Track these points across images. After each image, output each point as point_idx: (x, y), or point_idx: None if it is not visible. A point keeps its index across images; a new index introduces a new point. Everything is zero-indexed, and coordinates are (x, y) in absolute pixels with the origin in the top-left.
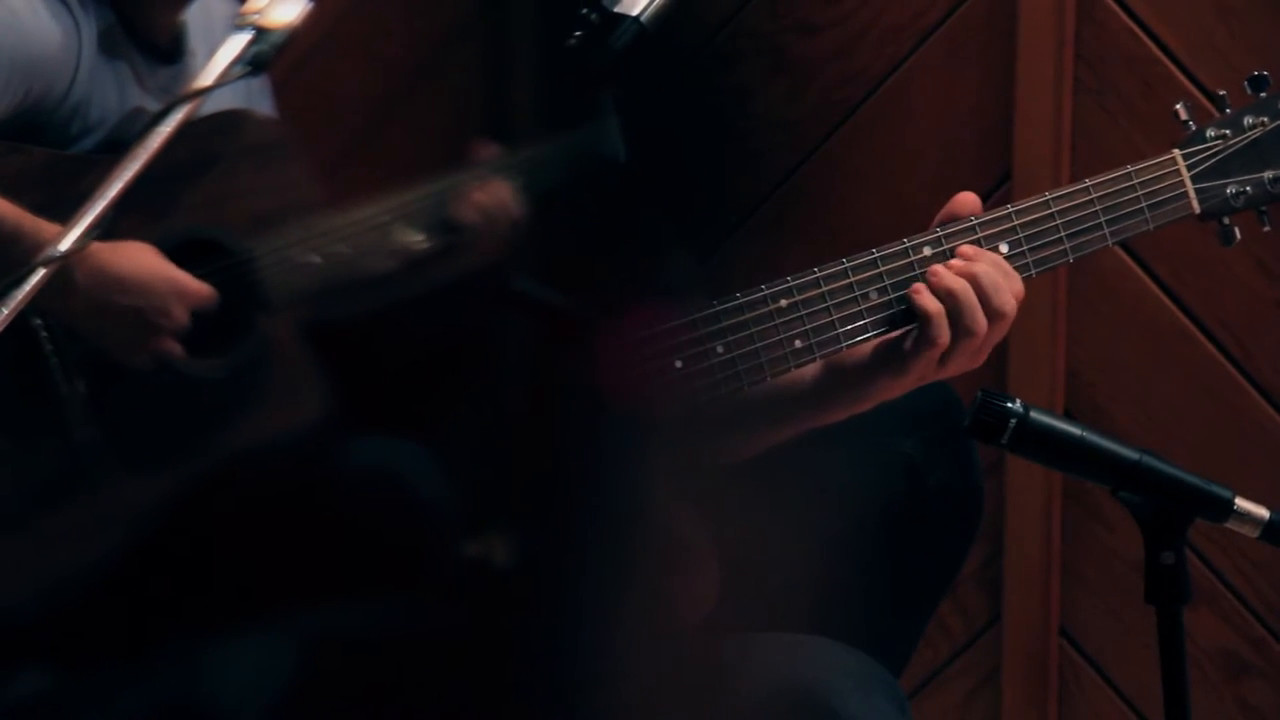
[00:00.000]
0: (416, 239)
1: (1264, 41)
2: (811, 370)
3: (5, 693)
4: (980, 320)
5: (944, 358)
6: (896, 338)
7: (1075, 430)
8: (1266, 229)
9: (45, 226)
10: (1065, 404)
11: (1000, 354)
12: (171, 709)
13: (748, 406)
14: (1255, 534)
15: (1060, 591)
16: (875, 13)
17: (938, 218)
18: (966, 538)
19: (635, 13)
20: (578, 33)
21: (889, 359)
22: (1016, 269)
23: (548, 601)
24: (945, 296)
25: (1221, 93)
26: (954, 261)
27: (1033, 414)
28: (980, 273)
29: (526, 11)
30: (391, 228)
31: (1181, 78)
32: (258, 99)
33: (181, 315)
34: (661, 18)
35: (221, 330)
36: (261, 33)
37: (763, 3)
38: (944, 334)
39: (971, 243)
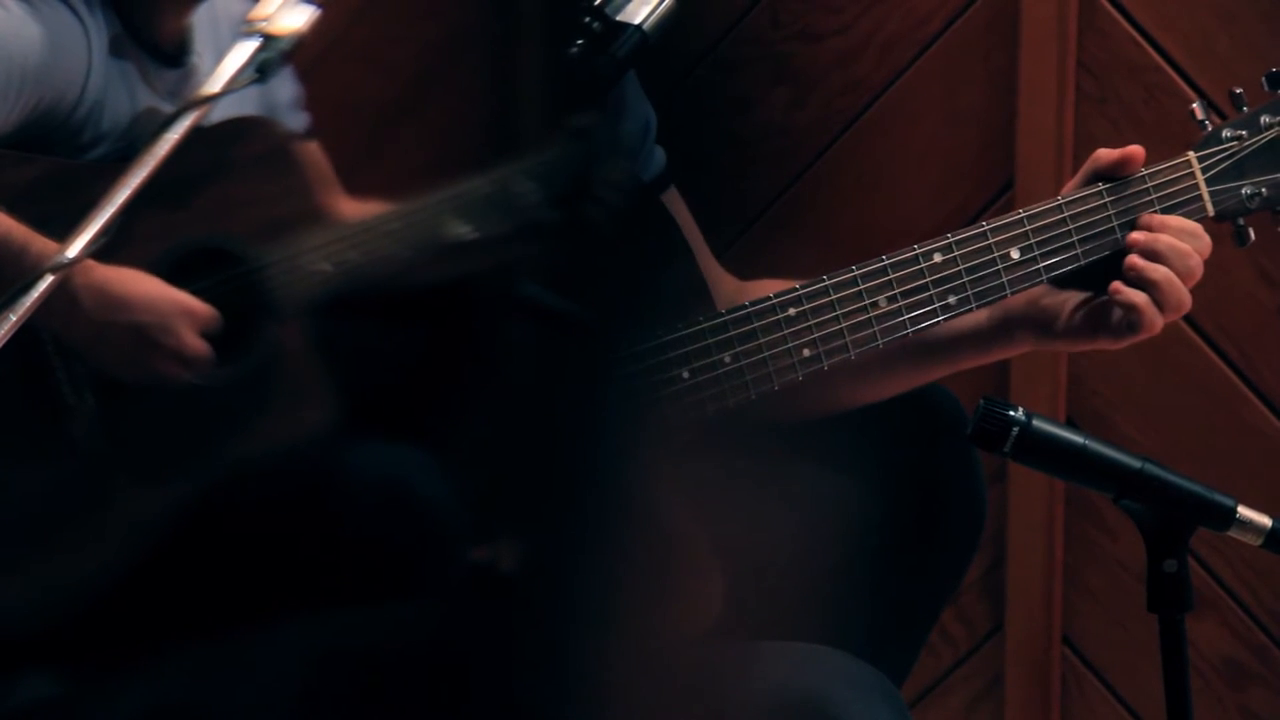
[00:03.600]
0: (437, 238)
1: (1266, 49)
2: (984, 314)
3: (11, 700)
4: (1184, 297)
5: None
6: (1105, 308)
7: (1077, 438)
8: None
9: (38, 240)
10: (1067, 412)
11: (1002, 362)
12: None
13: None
14: (1258, 542)
15: (1063, 599)
16: (877, 21)
17: (1084, 169)
18: (969, 546)
19: (637, 21)
20: (580, 41)
21: (1090, 326)
22: (1027, 275)
23: (552, 607)
24: (1149, 288)
25: (1238, 90)
26: (1137, 239)
27: (1035, 422)
28: (1164, 250)
29: (534, 16)
30: (402, 235)
31: (1184, 86)
32: (284, 109)
33: (185, 334)
34: (663, 26)
35: (229, 338)
36: (269, 40)
37: (764, 11)
38: (1157, 320)
39: (983, 247)
